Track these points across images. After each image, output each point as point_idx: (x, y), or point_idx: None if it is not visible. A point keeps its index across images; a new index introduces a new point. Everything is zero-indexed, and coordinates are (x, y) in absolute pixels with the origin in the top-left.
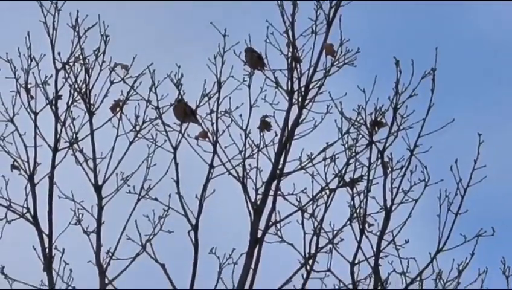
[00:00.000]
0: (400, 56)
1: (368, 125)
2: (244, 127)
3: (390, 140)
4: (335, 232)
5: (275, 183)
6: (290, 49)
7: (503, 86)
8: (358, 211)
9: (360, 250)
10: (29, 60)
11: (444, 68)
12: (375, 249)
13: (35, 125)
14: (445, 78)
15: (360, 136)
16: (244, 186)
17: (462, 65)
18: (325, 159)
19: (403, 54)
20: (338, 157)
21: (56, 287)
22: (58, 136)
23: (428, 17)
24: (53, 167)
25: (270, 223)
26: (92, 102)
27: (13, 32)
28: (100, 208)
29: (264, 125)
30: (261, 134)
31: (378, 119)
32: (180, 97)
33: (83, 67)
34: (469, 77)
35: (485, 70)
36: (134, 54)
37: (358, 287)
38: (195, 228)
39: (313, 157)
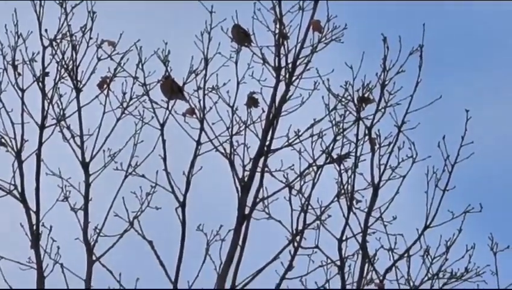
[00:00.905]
0: (387, 32)
1: (356, 101)
2: (231, 104)
3: (377, 116)
4: (322, 208)
5: (262, 159)
6: (277, 26)
7: (491, 62)
8: (345, 187)
9: (347, 226)
10: (16, 37)
11: (431, 44)
12: (362, 225)
13: (23, 102)
14: (433, 54)
15: (348, 112)
16: (232, 163)
17: (450, 41)
18: (312, 135)
19: (390, 30)
20: (325, 134)
21: (44, 264)
22: (45, 113)
23: None
24: (40, 143)
25: (258, 199)
26: (79, 79)
27: None
28: (87, 185)
29: (252, 102)
30: (249, 110)
31: (366, 95)
32: (167, 74)
33: (70, 44)
34: (456, 53)
35: (472, 46)
36: (121, 31)
37: (346, 264)
38: (182, 204)
39: (300, 133)
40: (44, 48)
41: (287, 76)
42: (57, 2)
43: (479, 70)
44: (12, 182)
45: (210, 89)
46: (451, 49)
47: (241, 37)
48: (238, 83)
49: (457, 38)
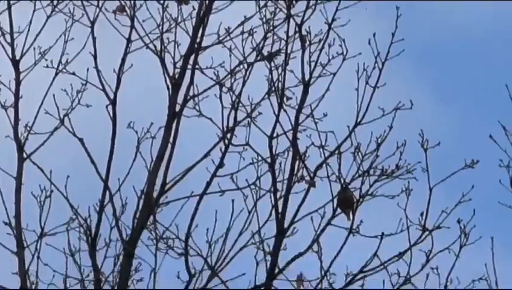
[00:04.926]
0: None
1: None
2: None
3: (308, 13)
4: (253, 105)
5: (192, 57)
6: None
7: None
8: (276, 84)
9: (278, 124)
10: None
11: None
12: (293, 122)
13: None
14: None
15: (278, 9)
16: (162, 61)
17: None
18: (242, 33)
19: None
20: (256, 31)
21: None
22: None
23: None
24: None
25: (188, 97)
26: None
27: None
28: (18, 83)
29: None
30: (179, 7)
31: None
32: None
33: None
34: None
35: None
36: None
37: (277, 161)
38: (113, 102)
39: (230, 31)
40: None
41: None
42: None
43: None
44: None
45: None
46: None
47: None
48: None
49: None
